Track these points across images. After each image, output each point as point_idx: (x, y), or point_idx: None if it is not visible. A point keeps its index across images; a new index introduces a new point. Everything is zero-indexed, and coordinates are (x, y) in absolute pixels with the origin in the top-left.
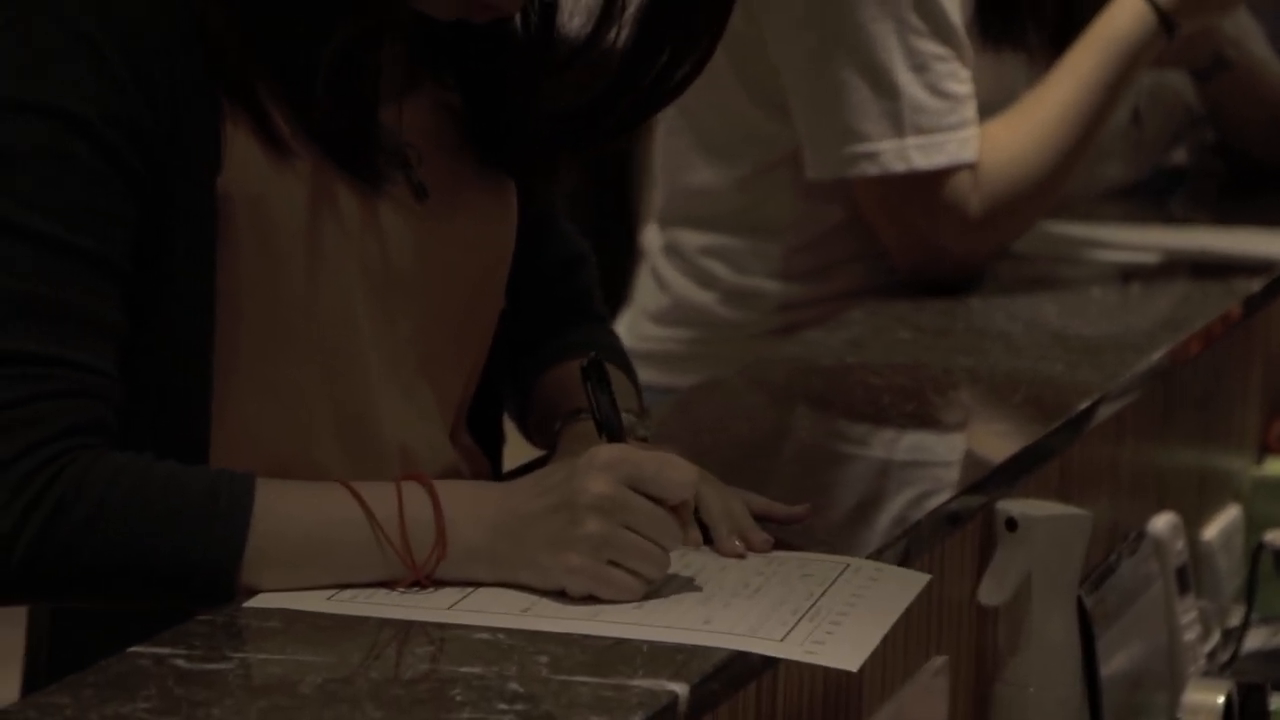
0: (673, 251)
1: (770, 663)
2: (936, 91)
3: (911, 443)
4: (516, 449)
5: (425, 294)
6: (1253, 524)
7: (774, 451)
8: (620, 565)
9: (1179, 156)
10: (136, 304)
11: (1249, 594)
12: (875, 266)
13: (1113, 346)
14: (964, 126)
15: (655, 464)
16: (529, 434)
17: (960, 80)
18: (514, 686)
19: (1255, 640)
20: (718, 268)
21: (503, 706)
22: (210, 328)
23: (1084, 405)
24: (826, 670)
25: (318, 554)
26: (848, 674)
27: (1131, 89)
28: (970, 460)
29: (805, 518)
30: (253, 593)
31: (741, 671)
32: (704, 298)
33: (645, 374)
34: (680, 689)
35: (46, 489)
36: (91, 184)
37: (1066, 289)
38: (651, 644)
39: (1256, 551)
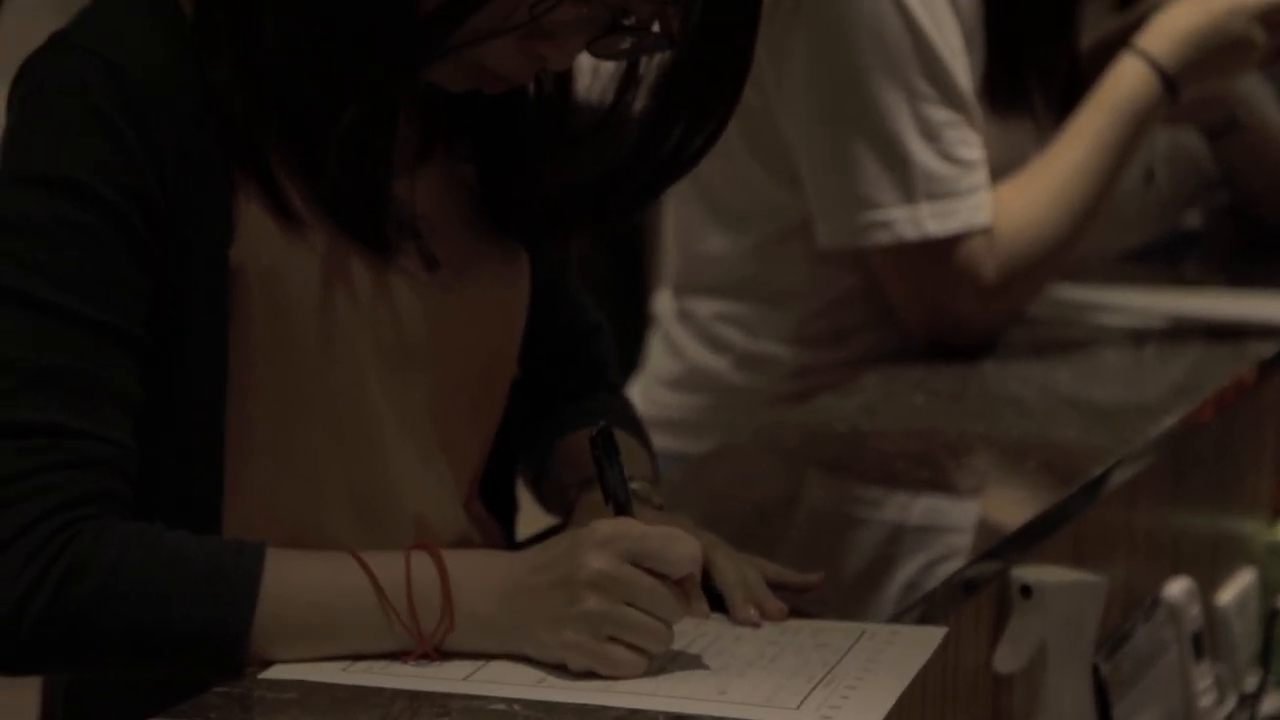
0: (686, 318)
1: None
2: (948, 158)
3: (926, 509)
4: (531, 516)
5: (438, 364)
6: (1267, 587)
7: (788, 517)
8: (621, 641)
9: (1193, 219)
10: (151, 373)
11: (1265, 658)
12: (888, 331)
13: (1125, 411)
14: (976, 191)
15: (658, 539)
16: (544, 502)
17: (971, 145)
18: None
19: (1272, 704)
20: (731, 333)
21: None
22: (224, 398)
23: (1098, 471)
24: None
25: (325, 624)
26: None
27: (1141, 149)
28: (985, 526)
29: (819, 586)
30: (265, 663)
31: None
32: (718, 363)
33: (659, 440)
34: None
35: (56, 558)
36: (103, 254)
37: (1079, 353)
38: (667, 714)
39: (1271, 616)
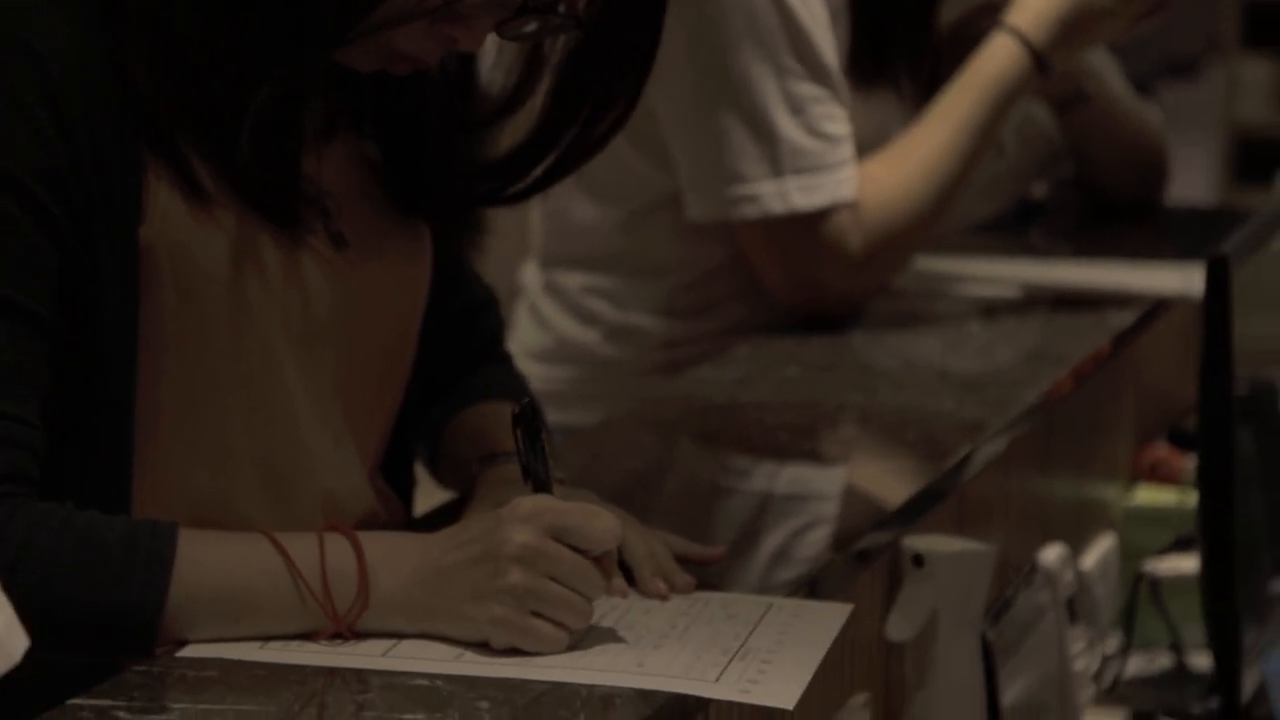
0: (553, 290)
1: (703, 703)
2: (814, 132)
3: (811, 480)
4: (426, 491)
5: (346, 341)
6: (1127, 551)
7: (676, 491)
8: (543, 616)
9: (1038, 189)
10: (60, 354)
11: (1128, 622)
12: (757, 303)
13: (995, 382)
14: (842, 166)
15: (579, 514)
16: (439, 476)
17: (837, 121)
18: None
19: (1134, 666)
20: (600, 305)
21: None
22: (134, 378)
23: (978, 441)
24: (754, 709)
25: (240, 605)
26: (782, 712)
27: (1005, 126)
28: (870, 497)
29: (722, 558)
30: (179, 642)
31: (678, 713)
32: (587, 336)
33: None
34: None
35: None
36: (19, 238)
37: (942, 324)
38: (588, 687)
39: (1136, 581)
